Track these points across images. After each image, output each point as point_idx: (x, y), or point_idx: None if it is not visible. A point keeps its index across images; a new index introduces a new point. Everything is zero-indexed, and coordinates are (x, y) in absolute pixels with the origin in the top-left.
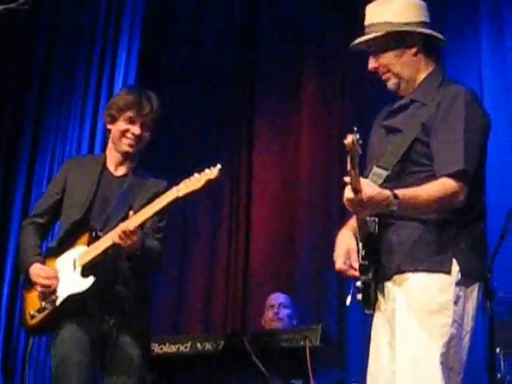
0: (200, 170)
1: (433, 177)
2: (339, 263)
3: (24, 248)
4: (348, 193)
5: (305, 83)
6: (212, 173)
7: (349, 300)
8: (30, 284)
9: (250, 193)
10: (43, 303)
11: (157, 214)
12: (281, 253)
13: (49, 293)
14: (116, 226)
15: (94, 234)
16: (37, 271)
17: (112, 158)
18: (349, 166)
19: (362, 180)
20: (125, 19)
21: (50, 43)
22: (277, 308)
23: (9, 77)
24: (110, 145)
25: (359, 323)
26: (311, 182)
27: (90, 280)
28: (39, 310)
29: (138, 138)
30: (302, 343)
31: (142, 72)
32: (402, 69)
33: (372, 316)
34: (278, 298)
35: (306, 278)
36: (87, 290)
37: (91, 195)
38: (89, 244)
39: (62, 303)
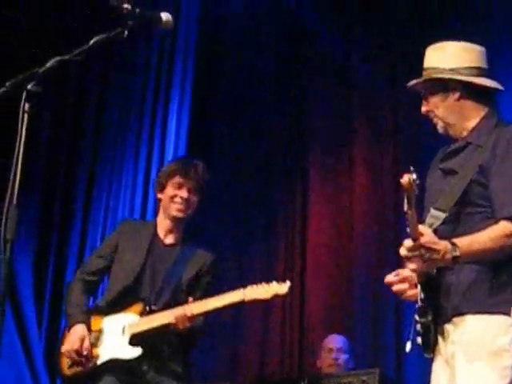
0: (268, 281)
1: (491, 218)
2: (389, 276)
3: (71, 303)
4: (408, 241)
5: (356, 129)
6: (281, 288)
7: (409, 346)
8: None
9: (304, 235)
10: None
11: (217, 310)
12: (336, 295)
13: (75, 360)
14: (168, 300)
15: (148, 307)
16: (73, 337)
17: (162, 225)
18: (406, 207)
19: (421, 227)
20: (175, 77)
21: (101, 102)
22: (336, 353)
23: (60, 139)
24: (161, 212)
25: (418, 366)
26: (366, 227)
27: (138, 351)
28: (75, 364)
29: (186, 201)
30: None
31: (191, 138)
32: (447, 113)
33: (432, 359)
34: (337, 341)
35: (363, 320)
36: (133, 360)
37: (142, 262)
38: (141, 315)
39: (104, 363)
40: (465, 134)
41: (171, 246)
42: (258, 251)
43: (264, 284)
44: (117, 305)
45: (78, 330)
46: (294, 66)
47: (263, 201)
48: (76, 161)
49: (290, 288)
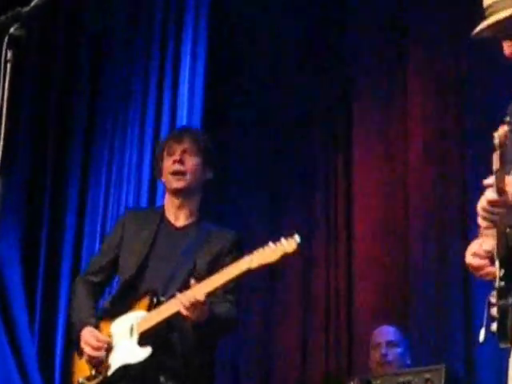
0: (276, 239)
1: None
2: (469, 258)
3: (76, 308)
4: (490, 194)
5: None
6: (290, 245)
7: (482, 335)
8: (80, 348)
9: (349, 214)
10: (93, 371)
11: (225, 285)
12: (390, 281)
13: (97, 362)
14: (180, 289)
15: (155, 298)
16: (86, 337)
17: (170, 206)
18: (496, 164)
19: (509, 178)
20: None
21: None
22: (384, 348)
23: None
24: (167, 195)
25: (491, 360)
26: (423, 198)
27: (147, 350)
28: (89, 379)
29: (180, 163)
30: None
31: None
32: None
33: (509, 351)
34: (384, 334)
35: (423, 305)
36: (143, 362)
37: (146, 249)
38: (149, 309)
39: (114, 374)
40: None
41: (184, 228)
42: (294, 224)
43: (271, 244)
44: (123, 304)
45: (87, 331)
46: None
47: (298, 170)
48: (67, 131)
49: (299, 245)
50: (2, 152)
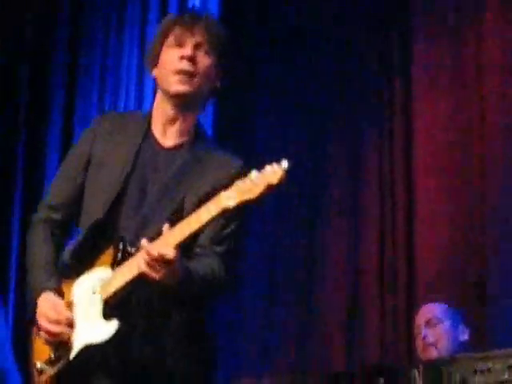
0: (260, 167)
1: None
2: None
3: (32, 264)
4: None
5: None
6: (275, 174)
7: None
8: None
9: (409, 159)
10: (53, 354)
11: (198, 231)
12: (460, 248)
13: (57, 341)
14: (155, 234)
15: (120, 250)
16: (43, 307)
17: (160, 116)
18: None
19: None
20: None
21: None
22: (424, 328)
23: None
24: (158, 98)
25: None
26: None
27: (113, 325)
28: (48, 363)
29: (191, 63)
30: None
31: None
32: None
33: None
34: (422, 313)
35: (504, 275)
36: (107, 342)
37: (122, 177)
38: (113, 265)
39: (77, 357)
40: None
41: (173, 148)
42: (340, 184)
43: (252, 174)
44: (88, 256)
45: (43, 299)
46: None
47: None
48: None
49: (286, 172)
50: None
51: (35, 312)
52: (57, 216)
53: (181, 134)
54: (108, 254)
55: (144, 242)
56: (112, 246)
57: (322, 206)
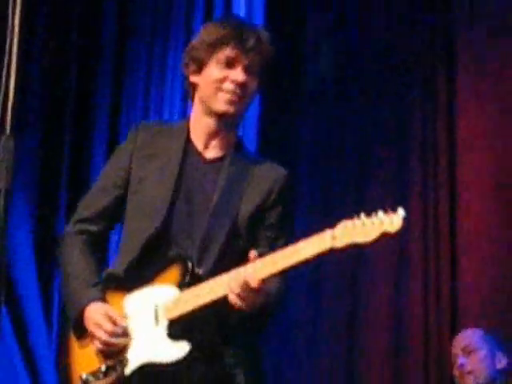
0: (369, 213)
1: None
2: None
3: (71, 275)
4: None
5: None
6: (392, 223)
7: None
8: (82, 331)
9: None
10: (104, 365)
11: (292, 268)
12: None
13: (110, 353)
14: (220, 255)
15: (189, 271)
16: (97, 318)
17: (199, 128)
18: None
19: None
20: None
21: None
22: (461, 356)
23: None
24: (197, 108)
25: None
26: None
27: (184, 347)
28: (97, 375)
29: (241, 87)
30: None
31: None
32: None
33: None
34: (458, 341)
35: None
36: (179, 363)
37: (170, 192)
38: (180, 286)
39: (134, 373)
40: None
41: (216, 160)
42: (379, 180)
43: (364, 217)
44: (141, 271)
45: (97, 309)
46: None
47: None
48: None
49: (405, 220)
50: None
51: (81, 323)
52: (93, 228)
53: (223, 146)
54: (173, 273)
55: (253, 257)
56: (178, 265)
57: None
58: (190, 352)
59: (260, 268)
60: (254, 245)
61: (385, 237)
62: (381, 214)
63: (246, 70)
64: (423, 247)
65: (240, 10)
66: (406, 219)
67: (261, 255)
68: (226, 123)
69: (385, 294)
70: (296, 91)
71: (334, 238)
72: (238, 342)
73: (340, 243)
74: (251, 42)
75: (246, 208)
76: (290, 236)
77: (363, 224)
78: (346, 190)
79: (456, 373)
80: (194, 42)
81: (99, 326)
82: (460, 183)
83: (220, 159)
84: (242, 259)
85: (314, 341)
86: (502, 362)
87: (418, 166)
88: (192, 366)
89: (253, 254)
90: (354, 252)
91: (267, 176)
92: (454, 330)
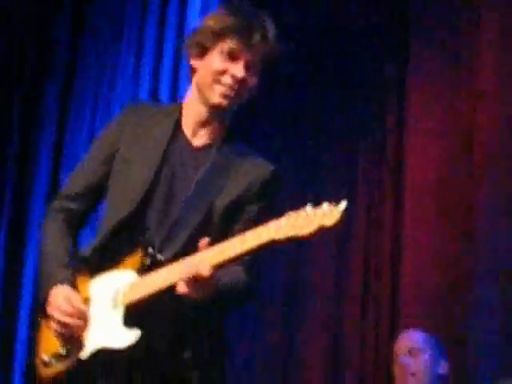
0: (315, 203)
1: None
2: None
3: (47, 254)
4: None
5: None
6: (331, 216)
7: None
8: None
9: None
10: (63, 349)
11: (239, 257)
12: (448, 265)
13: (67, 335)
14: (186, 244)
15: (149, 256)
16: (58, 300)
17: (190, 115)
18: None
19: None
20: None
21: None
22: (405, 357)
23: None
24: (193, 93)
25: None
26: (496, 150)
27: (136, 334)
28: (56, 358)
29: (240, 83)
30: None
31: None
32: None
33: None
34: (405, 341)
35: (490, 298)
36: (130, 349)
37: (151, 174)
38: (140, 271)
39: (89, 358)
40: None
41: (202, 148)
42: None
43: (307, 209)
44: (110, 255)
45: (58, 291)
46: None
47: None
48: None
49: (344, 213)
50: None
51: (46, 302)
52: (73, 206)
53: (211, 136)
54: (135, 258)
55: (202, 244)
56: (140, 251)
57: None
58: (143, 339)
59: (209, 256)
60: (226, 237)
61: (322, 230)
62: (325, 205)
63: (248, 66)
64: (364, 243)
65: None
66: (346, 212)
67: (211, 242)
68: (217, 114)
69: (324, 289)
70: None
71: (277, 230)
72: (198, 338)
73: (281, 235)
74: (257, 38)
75: (223, 200)
76: None
77: (307, 215)
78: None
79: (398, 372)
80: (201, 26)
81: (57, 307)
82: (405, 186)
83: (206, 148)
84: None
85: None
86: (443, 368)
87: (365, 168)
88: (147, 356)
89: (203, 241)
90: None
91: (251, 170)
92: (393, 330)
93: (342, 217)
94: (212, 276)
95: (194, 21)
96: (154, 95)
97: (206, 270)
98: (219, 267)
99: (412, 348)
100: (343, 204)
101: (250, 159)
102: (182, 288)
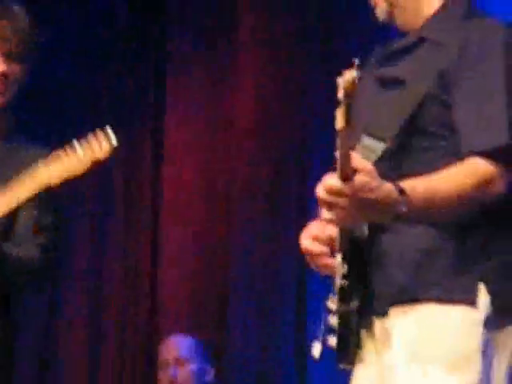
0: (81, 137)
1: (454, 156)
2: (307, 242)
3: None
4: (331, 181)
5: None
6: (102, 148)
7: (317, 349)
8: None
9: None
10: None
11: (11, 211)
12: (206, 267)
13: None
14: None
15: None
16: None
17: None
18: (341, 122)
19: (357, 157)
20: None
21: None
22: (173, 368)
23: None
24: None
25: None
26: (252, 158)
27: None
28: None
29: (3, 77)
30: None
31: None
32: None
33: (350, 372)
34: (172, 349)
35: (245, 309)
36: None
37: None
38: None
39: None
40: (420, 23)
41: None
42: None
43: (76, 144)
44: None
45: None
46: None
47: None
48: None
49: (113, 146)
50: None
51: None
52: None
53: None
54: None
55: None
56: None
57: None
58: None
59: None
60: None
61: (97, 164)
62: (91, 138)
63: (6, 57)
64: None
65: None
66: (114, 145)
67: None
68: None
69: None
70: None
71: (49, 173)
72: None
73: (56, 179)
74: (3, 22)
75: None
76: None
77: (76, 155)
78: None
79: (165, 381)
80: None
81: None
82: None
83: None
84: None
85: None
86: (210, 375)
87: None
88: None
89: None
90: None
91: (34, 158)
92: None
93: (112, 147)
94: None
95: None
96: None
97: None
98: None
99: (179, 357)
100: (111, 134)
101: (32, 149)
102: None
